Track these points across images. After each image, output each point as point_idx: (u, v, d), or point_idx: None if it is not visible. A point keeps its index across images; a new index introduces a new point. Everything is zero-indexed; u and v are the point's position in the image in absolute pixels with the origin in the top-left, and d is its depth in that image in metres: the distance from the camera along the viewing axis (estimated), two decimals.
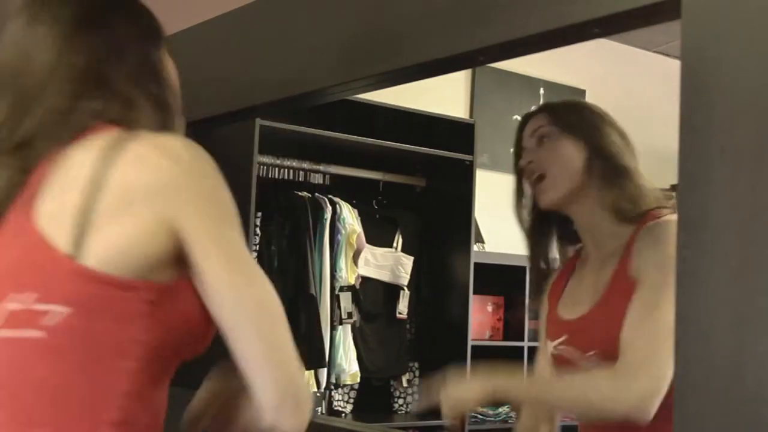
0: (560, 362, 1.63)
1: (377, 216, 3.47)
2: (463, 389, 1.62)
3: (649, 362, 1.40)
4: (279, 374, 1.00)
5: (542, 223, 1.70)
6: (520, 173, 1.67)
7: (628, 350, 1.43)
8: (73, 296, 0.97)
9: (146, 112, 1.09)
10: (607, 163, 1.57)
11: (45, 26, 1.10)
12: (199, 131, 2.67)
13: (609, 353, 1.55)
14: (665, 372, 1.38)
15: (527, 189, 1.67)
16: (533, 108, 1.73)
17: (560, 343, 1.62)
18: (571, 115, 1.64)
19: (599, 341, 1.56)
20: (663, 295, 1.40)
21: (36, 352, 0.98)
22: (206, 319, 1.02)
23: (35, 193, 1.01)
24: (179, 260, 1.00)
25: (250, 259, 1.03)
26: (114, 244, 0.97)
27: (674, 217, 1.48)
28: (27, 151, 1.04)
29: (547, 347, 1.66)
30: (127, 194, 0.98)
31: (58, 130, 1.05)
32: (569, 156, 1.59)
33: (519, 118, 4.78)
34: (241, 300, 1.00)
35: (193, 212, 0.99)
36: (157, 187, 0.99)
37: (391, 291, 3.44)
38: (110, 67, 1.10)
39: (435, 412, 3.63)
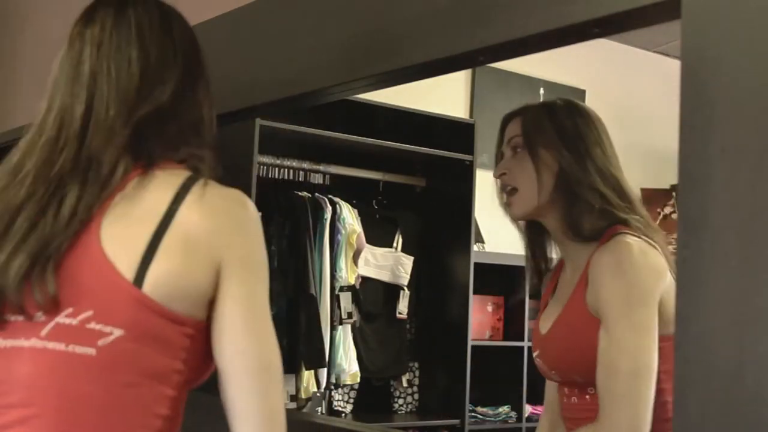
0: (542, 373, 1.65)
1: (377, 216, 3.47)
2: None
3: (627, 404, 1.41)
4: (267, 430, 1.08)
5: (535, 224, 1.69)
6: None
7: (606, 396, 1.44)
8: (129, 321, 1.02)
9: (208, 158, 1.16)
10: (572, 180, 1.55)
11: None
12: None
13: (565, 374, 1.58)
14: (646, 405, 1.41)
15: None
16: (515, 107, 1.69)
17: (537, 356, 1.64)
18: (543, 127, 1.59)
19: (556, 361, 1.58)
20: (628, 329, 1.43)
21: (85, 368, 1.02)
22: (211, 356, 1.09)
23: (101, 216, 1.06)
24: (212, 301, 1.07)
25: (268, 317, 1.09)
26: (170, 278, 1.03)
27: (627, 237, 1.49)
28: (110, 174, 1.09)
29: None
30: (189, 234, 1.05)
31: (133, 160, 1.10)
32: (540, 172, 1.57)
33: None
34: (249, 353, 1.07)
35: (238, 262, 1.07)
36: (215, 232, 1.06)
37: (391, 291, 3.44)
38: (188, 112, 1.17)
39: (435, 412, 3.64)
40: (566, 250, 1.63)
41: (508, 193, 1.62)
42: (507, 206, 1.64)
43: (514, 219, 1.66)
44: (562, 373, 1.58)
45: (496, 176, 1.64)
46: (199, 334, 1.07)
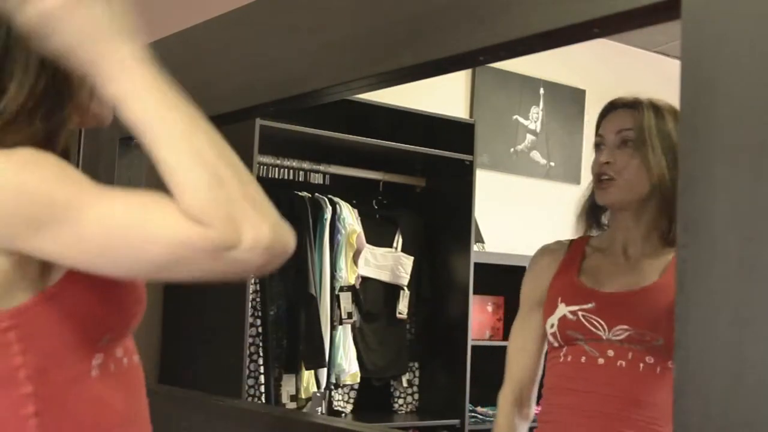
0: (571, 327, 1.66)
1: (377, 216, 3.47)
2: None
3: None
4: None
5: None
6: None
7: None
8: None
9: None
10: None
11: None
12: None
13: (643, 334, 1.61)
14: None
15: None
16: (622, 97, 1.74)
17: (582, 310, 1.65)
18: (657, 130, 1.65)
19: (644, 320, 1.61)
20: None
21: None
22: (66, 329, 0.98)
23: None
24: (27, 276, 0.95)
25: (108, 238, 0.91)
26: None
27: None
28: None
29: (560, 310, 1.69)
30: None
31: None
32: (642, 172, 1.64)
33: (519, 118, 4.78)
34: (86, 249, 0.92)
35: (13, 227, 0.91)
36: None
37: (391, 291, 3.44)
38: None
39: (435, 412, 3.64)
40: (636, 243, 1.69)
41: (604, 181, 1.68)
42: (600, 189, 1.69)
43: (605, 204, 1.72)
44: (641, 332, 1.60)
45: (602, 161, 1.68)
46: (21, 318, 0.96)
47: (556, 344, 1.71)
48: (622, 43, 4.49)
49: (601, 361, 1.63)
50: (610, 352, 1.62)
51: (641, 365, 1.60)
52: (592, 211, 1.79)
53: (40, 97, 0.99)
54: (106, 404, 1.03)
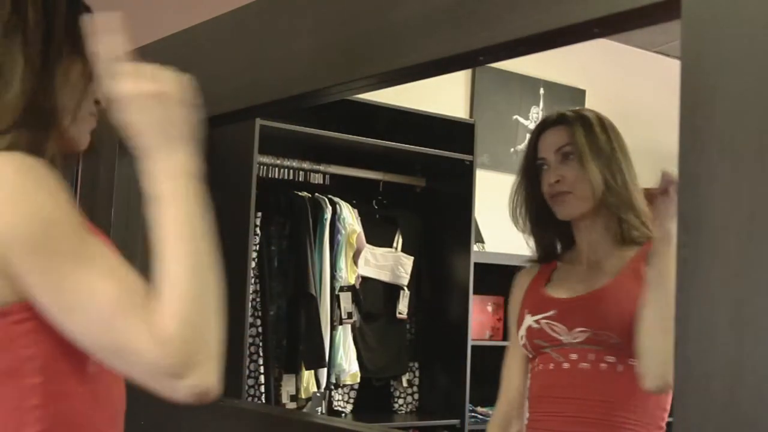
0: (536, 336, 1.72)
1: (377, 216, 3.47)
2: None
3: None
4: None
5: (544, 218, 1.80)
6: (529, 174, 1.78)
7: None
8: None
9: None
10: (622, 190, 1.68)
11: None
12: (199, 131, 2.66)
13: (598, 335, 1.64)
14: None
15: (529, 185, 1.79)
16: (538, 112, 1.81)
17: (545, 318, 1.71)
18: (593, 138, 1.70)
19: (594, 320, 1.65)
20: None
21: None
22: None
23: None
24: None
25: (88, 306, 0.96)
26: None
27: None
28: None
29: (526, 321, 1.75)
30: None
31: None
32: (593, 180, 1.67)
33: (519, 118, 4.78)
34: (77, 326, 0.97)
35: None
36: None
37: (391, 291, 3.44)
38: None
39: (435, 412, 3.63)
40: (596, 248, 1.73)
41: (559, 196, 1.72)
42: (557, 205, 1.73)
43: (565, 218, 1.74)
44: (597, 332, 1.64)
45: (551, 182, 1.72)
46: (35, 311, 0.98)
47: (530, 355, 1.76)
48: (622, 43, 4.49)
49: (566, 365, 1.67)
50: (573, 356, 1.66)
51: (602, 365, 1.64)
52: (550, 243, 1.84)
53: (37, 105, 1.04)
54: (99, 400, 1.07)
